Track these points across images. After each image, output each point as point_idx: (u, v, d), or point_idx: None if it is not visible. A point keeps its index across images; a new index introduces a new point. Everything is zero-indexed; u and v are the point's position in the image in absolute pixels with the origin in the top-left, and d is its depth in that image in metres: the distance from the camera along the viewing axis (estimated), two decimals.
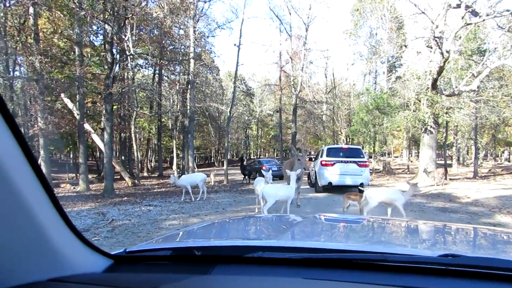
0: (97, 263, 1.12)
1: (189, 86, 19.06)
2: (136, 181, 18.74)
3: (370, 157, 26.53)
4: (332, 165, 12.23)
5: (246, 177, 18.50)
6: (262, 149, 61.03)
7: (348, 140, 29.77)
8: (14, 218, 0.83)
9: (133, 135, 20.11)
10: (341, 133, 30.34)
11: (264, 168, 17.29)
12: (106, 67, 14.47)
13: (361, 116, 22.22)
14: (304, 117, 34.72)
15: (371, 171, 21.09)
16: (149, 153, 38.49)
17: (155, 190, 15.30)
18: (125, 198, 12.05)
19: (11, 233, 0.85)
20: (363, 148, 25.63)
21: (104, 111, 14.50)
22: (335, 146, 15.50)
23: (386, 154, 28.79)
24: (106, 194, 12.86)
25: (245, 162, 23.32)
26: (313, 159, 14.96)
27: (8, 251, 0.87)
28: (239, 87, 33.88)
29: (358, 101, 29.76)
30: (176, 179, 11.22)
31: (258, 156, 55.46)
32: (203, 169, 38.22)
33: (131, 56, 16.56)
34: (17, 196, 0.81)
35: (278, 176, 16.71)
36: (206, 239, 1.68)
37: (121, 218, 7.75)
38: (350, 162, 12.31)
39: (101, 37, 19.49)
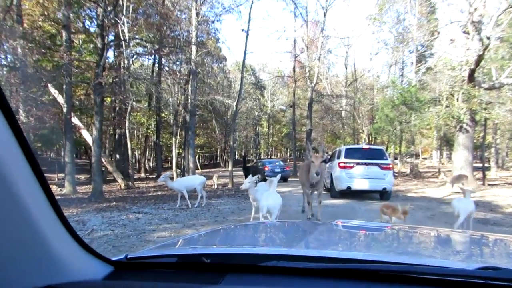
0: (97, 269, 1.13)
1: (191, 77, 18.61)
2: (130, 183, 18.39)
3: (396, 158, 25.91)
4: (351, 167, 11.99)
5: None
6: (274, 148, 60.55)
7: (370, 139, 29.23)
8: (12, 221, 0.84)
9: (127, 131, 19.72)
10: (363, 131, 29.79)
11: (266, 169, 17.18)
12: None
13: (386, 112, 21.66)
14: (321, 113, 34.15)
15: (396, 175, 20.53)
16: (147, 152, 38.02)
17: (150, 194, 14.93)
18: (114, 203, 11.67)
19: (8, 238, 0.85)
20: (387, 148, 25.10)
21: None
22: (355, 146, 15.39)
23: (414, 156, 28.10)
24: (94, 197, 12.52)
25: (253, 163, 23.15)
26: (327, 161, 14.59)
27: (5, 256, 0.87)
28: (247, 78, 33.44)
29: (382, 95, 29.20)
30: (167, 180, 10.60)
31: (269, 156, 55.07)
32: (208, 170, 38.06)
33: (126, 42, 16.21)
34: (15, 198, 0.81)
35: (282, 178, 16.38)
36: (212, 246, 1.67)
37: (103, 228, 7.34)
38: (372, 164, 12.05)
39: (96, 22, 19.22)
